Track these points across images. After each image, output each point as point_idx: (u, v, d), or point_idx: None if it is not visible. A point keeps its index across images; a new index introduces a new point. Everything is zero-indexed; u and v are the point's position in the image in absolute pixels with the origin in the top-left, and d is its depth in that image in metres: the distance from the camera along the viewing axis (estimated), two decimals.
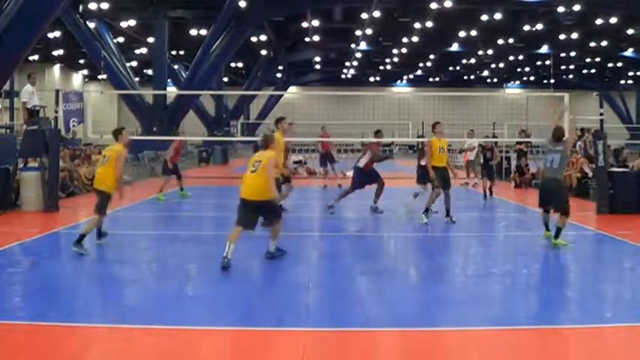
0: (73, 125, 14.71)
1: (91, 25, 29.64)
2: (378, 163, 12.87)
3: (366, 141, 15.27)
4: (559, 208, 9.45)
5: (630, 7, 28.02)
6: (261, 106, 50.05)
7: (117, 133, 9.77)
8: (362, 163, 12.59)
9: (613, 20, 30.63)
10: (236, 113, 42.43)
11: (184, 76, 35.31)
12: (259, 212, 8.50)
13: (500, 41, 36.81)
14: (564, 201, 9.47)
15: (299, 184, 19.89)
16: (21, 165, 13.64)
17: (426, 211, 11.53)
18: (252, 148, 48.52)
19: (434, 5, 27.56)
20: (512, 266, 8.46)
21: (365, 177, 12.61)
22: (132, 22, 31.78)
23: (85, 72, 52.20)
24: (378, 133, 13.40)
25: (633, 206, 12.89)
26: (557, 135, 9.79)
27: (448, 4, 26.94)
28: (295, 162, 26.22)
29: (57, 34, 33.46)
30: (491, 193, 15.61)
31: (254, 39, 35.51)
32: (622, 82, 52.86)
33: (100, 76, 37.16)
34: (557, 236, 9.43)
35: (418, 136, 24.56)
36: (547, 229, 9.86)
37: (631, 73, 49.91)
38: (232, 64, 46.14)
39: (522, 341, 5.44)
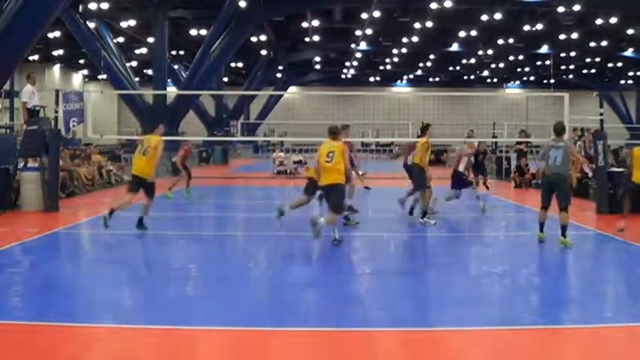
0: (73, 125, 14.71)
1: (91, 25, 29.62)
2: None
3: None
4: (564, 201, 9.47)
5: (630, 7, 28.01)
6: (261, 106, 50.03)
7: (155, 127, 11.13)
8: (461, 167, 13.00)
9: (613, 20, 30.61)
10: (236, 113, 42.42)
11: (184, 76, 35.29)
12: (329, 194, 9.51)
13: (500, 41, 36.80)
14: (569, 195, 9.57)
15: (299, 184, 19.89)
16: (21, 165, 13.65)
17: (424, 214, 11.51)
18: (252, 148, 48.71)
19: (434, 5, 27.55)
20: (512, 266, 8.46)
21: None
22: (132, 22, 31.76)
23: (85, 72, 52.18)
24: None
25: (633, 206, 12.86)
26: (559, 129, 9.86)
27: (448, 4, 26.93)
28: (295, 162, 26.22)
29: (57, 34, 33.45)
30: (487, 188, 15.54)
31: (254, 39, 35.50)
32: (622, 82, 52.84)
33: (100, 76, 37.18)
34: (564, 234, 9.46)
35: (418, 136, 24.55)
36: (541, 230, 9.84)
37: (631, 73, 49.89)
38: (232, 64, 46.12)
39: (522, 341, 5.44)
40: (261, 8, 29.81)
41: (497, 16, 29.66)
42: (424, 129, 12.07)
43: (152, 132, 10.95)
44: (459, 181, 12.99)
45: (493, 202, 15.41)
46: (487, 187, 15.71)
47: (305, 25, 34.36)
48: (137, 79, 35.96)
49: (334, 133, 9.68)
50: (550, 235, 9.88)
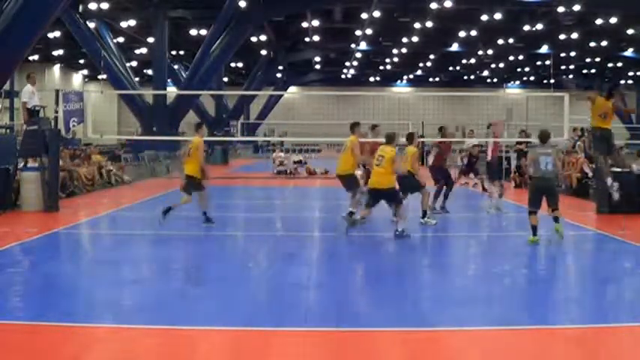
0: (73, 125, 14.68)
1: (91, 25, 29.62)
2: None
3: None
4: (556, 204, 9.83)
5: (630, 7, 28.01)
6: (261, 106, 50.04)
7: (197, 128, 11.84)
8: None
9: (613, 20, 30.61)
10: (236, 113, 42.43)
11: (184, 76, 35.29)
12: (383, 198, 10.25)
13: (500, 41, 36.80)
14: (558, 199, 9.95)
15: (300, 184, 19.91)
16: (21, 165, 13.64)
17: (425, 214, 11.49)
18: (252, 148, 48.68)
19: (434, 5, 27.55)
20: (511, 266, 8.46)
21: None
22: (132, 22, 31.76)
23: (85, 72, 52.18)
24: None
25: (633, 206, 12.88)
26: (545, 136, 10.09)
27: (448, 4, 26.92)
28: (295, 162, 26.22)
29: (57, 34, 33.45)
30: (484, 190, 15.33)
31: (254, 39, 35.51)
32: (622, 82, 52.84)
33: (100, 76, 37.17)
34: (558, 221, 9.82)
35: (419, 137, 24.51)
36: (535, 233, 9.76)
37: (631, 73, 49.90)
38: (232, 64, 46.11)
39: (522, 341, 5.44)
40: (261, 8, 29.81)
41: (497, 16, 29.66)
42: (410, 137, 12.03)
43: (196, 133, 11.67)
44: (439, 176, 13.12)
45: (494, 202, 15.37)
46: (484, 189, 15.49)
47: (305, 25, 34.37)
48: (137, 79, 35.96)
49: (390, 138, 10.57)
50: (547, 236, 9.88)
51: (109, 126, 46.45)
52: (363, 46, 39.33)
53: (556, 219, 9.89)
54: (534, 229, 9.72)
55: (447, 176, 13.14)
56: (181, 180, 11.58)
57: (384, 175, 10.03)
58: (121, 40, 34.70)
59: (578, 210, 13.93)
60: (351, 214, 11.14)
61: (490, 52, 40.50)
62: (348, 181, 11.34)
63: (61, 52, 41.24)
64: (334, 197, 14.79)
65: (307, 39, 38.00)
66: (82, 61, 46.45)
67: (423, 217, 11.49)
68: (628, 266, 8.54)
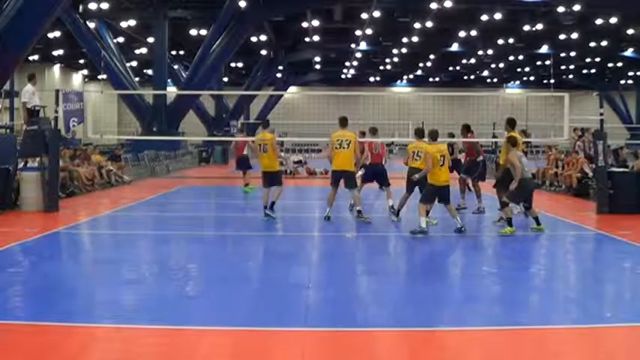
0: (73, 125, 14.69)
1: (91, 25, 29.61)
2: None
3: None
4: (531, 203, 10.92)
5: (630, 7, 27.99)
6: (261, 106, 50.01)
7: (266, 125, 12.73)
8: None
9: (613, 20, 30.57)
10: (236, 113, 42.42)
11: (184, 76, 35.28)
12: None
13: (500, 41, 36.75)
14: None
15: (300, 184, 19.90)
16: (21, 165, 13.64)
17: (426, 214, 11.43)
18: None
19: (434, 5, 27.53)
20: (511, 266, 8.47)
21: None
22: (132, 22, 31.72)
23: (85, 72, 52.13)
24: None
25: (633, 206, 12.89)
26: (513, 142, 10.79)
27: (448, 4, 26.88)
28: (295, 162, 26.20)
29: (57, 34, 33.40)
30: (469, 189, 15.24)
31: (254, 39, 35.47)
32: (622, 82, 52.81)
33: (100, 76, 37.13)
34: (539, 222, 10.75)
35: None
36: (538, 222, 10.76)
37: (631, 73, 49.84)
38: (232, 64, 46.06)
39: (522, 341, 5.44)
40: (261, 8, 29.79)
41: (497, 16, 29.62)
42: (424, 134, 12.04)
43: (265, 130, 12.54)
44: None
45: (493, 202, 15.37)
46: (469, 188, 15.40)
47: (305, 25, 34.33)
48: (137, 79, 35.96)
49: (418, 133, 11.39)
50: (553, 235, 9.90)
51: (109, 126, 46.44)
52: (363, 46, 39.28)
53: (538, 219, 10.78)
54: (510, 220, 10.58)
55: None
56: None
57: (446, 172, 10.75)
58: (121, 40, 34.68)
59: (578, 210, 13.94)
60: (360, 212, 11.74)
61: (490, 52, 40.46)
62: (350, 178, 11.76)
63: (61, 52, 41.19)
64: (336, 197, 14.78)
65: (307, 39, 37.94)
66: (82, 61, 46.40)
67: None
68: (628, 266, 8.54)
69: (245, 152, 17.61)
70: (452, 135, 16.04)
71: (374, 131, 13.81)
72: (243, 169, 17.60)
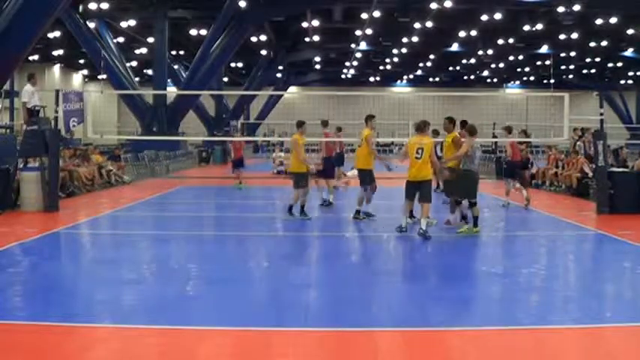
0: (73, 125, 14.69)
1: (91, 25, 29.61)
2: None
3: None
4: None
5: (630, 7, 28.00)
6: (261, 106, 50.02)
7: (299, 125, 12.41)
8: None
9: (613, 20, 30.58)
10: (236, 113, 42.42)
11: (184, 76, 35.28)
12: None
13: (500, 41, 36.76)
14: None
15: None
16: (21, 165, 13.63)
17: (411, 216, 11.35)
18: (252, 148, 48.70)
19: (434, 5, 27.53)
20: (511, 266, 8.46)
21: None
22: (132, 22, 31.73)
23: (85, 72, 52.15)
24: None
25: (633, 206, 12.89)
26: (475, 130, 10.92)
27: (448, 4, 26.89)
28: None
29: (57, 34, 33.41)
30: (437, 186, 15.28)
31: (254, 39, 35.47)
32: (622, 82, 52.82)
33: (100, 76, 37.12)
34: (477, 224, 10.59)
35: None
36: (476, 224, 10.62)
37: (631, 73, 49.86)
38: (232, 64, 46.08)
39: (522, 341, 5.44)
40: (261, 8, 29.80)
41: (498, 16, 29.63)
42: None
43: (297, 130, 12.36)
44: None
45: (493, 201, 15.38)
46: (438, 185, 15.47)
47: (305, 25, 34.33)
48: (137, 79, 35.94)
49: (420, 128, 10.58)
50: (553, 235, 9.89)
51: (109, 126, 46.42)
52: (363, 46, 39.28)
53: (476, 219, 10.61)
54: (476, 219, 10.49)
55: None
56: None
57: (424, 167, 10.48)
58: (121, 40, 34.69)
59: (578, 210, 13.94)
60: (359, 212, 11.89)
61: (490, 52, 40.45)
62: (365, 176, 11.86)
63: (61, 52, 41.20)
64: (333, 197, 14.79)
65: (307, 39, 37.96)
66: (82, 61, 46.41)
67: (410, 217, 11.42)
68: (628, 266, 8.54)
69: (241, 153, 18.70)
70: (437, 132, 15.77)
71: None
72: (237, 168, 18.74)
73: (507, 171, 14.92)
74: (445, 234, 10.90)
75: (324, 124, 15.69)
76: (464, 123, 12.77)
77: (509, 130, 15.40)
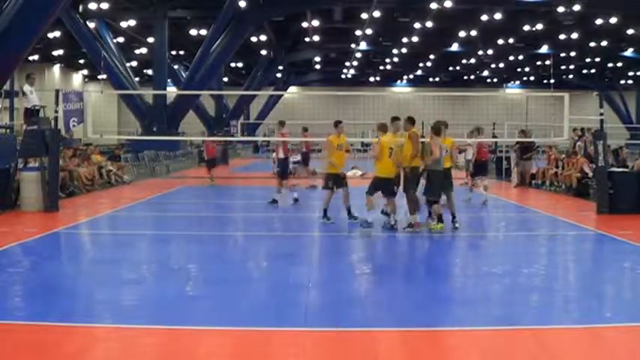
0: (73, 125, 14.68)
1: (91, 25, 29.62)
2: None
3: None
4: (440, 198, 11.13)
5: (630, 7, 28.01)
6: (261, 106, 50.03)
7: (335, 124, 12.08)
8: None
9: (613, 20, 30.60)
10: (236, 113, 42.43)
11: (184, 76, 35.29)
12: None
13: (500, 41, 36.79)
14: None
15: (299, 184, 19.86)
16: (21, 165, 13.63)
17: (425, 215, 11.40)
18: (252, 148, 48.73)
19: (434, 5, 27.54)
20: (511, 266, 8.46)
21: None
22: (132, 22, 31.75)
23: (85, 72, 52.16)
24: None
25: (633, 206, 12.89)
26: (440, 129, 11.04)
27: (448, 4, 26.90)
28: (295, 162, 26.17)
29: (57, 34, 33.42)
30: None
31: (254, 39, 35.50)
32: (622, 82, 52.84)
33: (100, 76, 37.15)
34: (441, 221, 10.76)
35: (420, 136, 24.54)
36: (440, 220, 10.75)
37: (631, 73, 49.89)
38: (232, 64, 46.11)
39: (522, 341, 5.44)
40: (261, 8, 29.82)
41: (497, 16, 29.65)
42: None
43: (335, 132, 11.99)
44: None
45: (493, 201, 15.38)
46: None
47: (305, 25, 34.36)
48: (137, 79, 35.95)
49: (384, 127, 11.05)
50: (553, 235, 9.88)
51: (109, 126, 46.43)
52: (363, 46, 39.31)
53: (440, 217, 10.73)
54: (440, 217, 10.71)
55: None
56: None
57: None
58: (121, 40, 34.69)
59: (578, 210, 13.93)
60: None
61: (490, 52, 40.48)
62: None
63: (61, 52, 41.22)
64: (333, 197, 14.78)
65: (307, 39, 37.99)
66: (82, 61, 46.44)
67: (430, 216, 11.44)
68: (628, 266, 8.53)
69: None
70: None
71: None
72: (209, 166, 20.33)
73: (479, 169, 15.54)
74: (445, 234, 10.90)
75: (281, 124, 16.00)
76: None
77: (479, 131, 16.11)
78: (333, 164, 11.60)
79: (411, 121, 11.24)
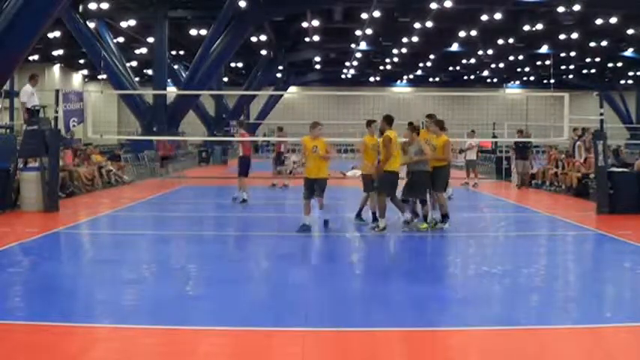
0: (73, 125, 14.69)
1: (91, 25, 29.60)
2: None
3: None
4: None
5: (630, 7, 27.99)
6: (261, 106, 50.00)
7: (368, 124, 11.37)
8: None
9: (613, 20, 30.57)
10: (236, 113, 42.40)
11: (184, 76, 35.26)
12: None
13: (500, 41, 36.75)
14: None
15: (299, 184, 19.89)
16: (21, 165, 13.63)
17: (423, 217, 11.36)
18: (252, 148, 48.64)
19: (434, 5, 27.53)
20: (511, 266, 8.46)
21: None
22: (132, 22, 31.73)
23: (85, 72, 52.13)
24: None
25: (633, 206, 12.89)
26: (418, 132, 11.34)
27: (448, 4, 26.89)
28: (295, 162, 26.20)
29: (57, 34, 33.40)
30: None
31: (254, 39, 35.47)
32: (622, 82, 52.79)
33: (100, 76, 37.12)
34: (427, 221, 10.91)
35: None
36: (426, 220, 10.90)
37: (631, 73, 49.84)
38: (232, 64, 46.07)
39: (522, 341, 5.44)
40: (261, 8, 29.78)
41: (497, 16, 29.62)
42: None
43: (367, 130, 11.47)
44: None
45: (493, 201, 15.39)
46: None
47: (305, 25, 34.33)
48: (137, 79, 35.93)
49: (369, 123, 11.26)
50: (553, 235, 9.89)
51: (109, 126, 46.39)
52: (363, 46, 39.28)
53: (426, 217, 10.92)
54: (426, 217, 10.88)
55: None
56: None
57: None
58: (121, 40, 34.67)
59: (578, 210, 13.94)
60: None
61: (490, 52, 40.45)
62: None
63: (61, 52, 41.20)
64: (333, 197, 14.79)
65: (307, 39, 37.95)
66: (82, 61, 46.41)
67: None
68: (628, 266, 8.53)
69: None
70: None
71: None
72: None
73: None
74: (445, 234, 10.91)
75: (240, 124, 16.59)
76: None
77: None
78: (309, 168, 11.00)
79: (387, 120, 10.94)
